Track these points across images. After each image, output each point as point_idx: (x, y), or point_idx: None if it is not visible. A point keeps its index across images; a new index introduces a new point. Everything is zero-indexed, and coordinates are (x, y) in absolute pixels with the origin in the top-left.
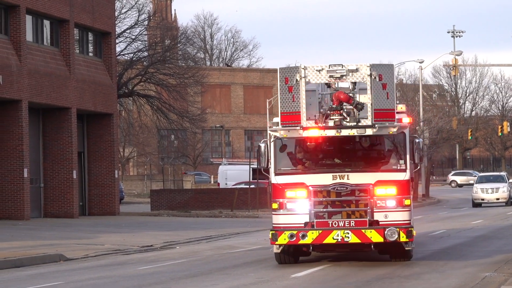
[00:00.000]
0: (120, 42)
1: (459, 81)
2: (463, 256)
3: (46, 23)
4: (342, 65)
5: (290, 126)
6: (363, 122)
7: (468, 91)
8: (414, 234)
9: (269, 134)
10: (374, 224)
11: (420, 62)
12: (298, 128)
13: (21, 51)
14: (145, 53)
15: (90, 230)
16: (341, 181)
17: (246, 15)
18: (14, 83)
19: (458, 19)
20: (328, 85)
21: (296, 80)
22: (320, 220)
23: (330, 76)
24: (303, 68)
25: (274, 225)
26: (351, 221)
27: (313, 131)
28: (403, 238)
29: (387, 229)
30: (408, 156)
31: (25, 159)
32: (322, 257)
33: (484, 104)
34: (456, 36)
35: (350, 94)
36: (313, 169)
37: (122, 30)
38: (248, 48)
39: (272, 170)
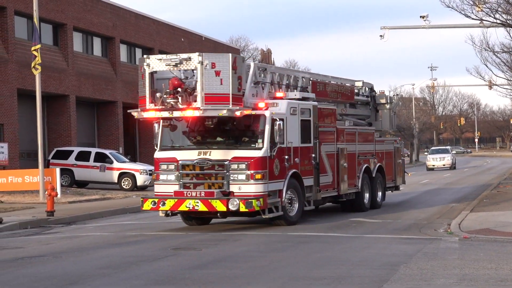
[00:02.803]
0: None
1: (435, 95)
2: (439, 194)
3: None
4: (177, 55)
5: (140, 108)
6: (194, 105)
7: (440, 100)
8: (259, 205)
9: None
10: (230, 195)
11: (412, 85)
12: (139, 110)
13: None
14: None
15: None
16: (204, 157)
17: (312, 60)
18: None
19: (434, 59)
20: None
21: (144, 68)
22: (186, 190)
23: (167, 64)
24: (148, 58)
25: (155, 193)
26: (202, 192)
27: (150, 113)
28: (242, 208)
29: (230, 200)
30: (267, 136)
31: None
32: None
33: (450, 108)
34: (433, 69)
35: (184, 80)
36: (185, 146)
37: None
38: None
39: (158, 146)
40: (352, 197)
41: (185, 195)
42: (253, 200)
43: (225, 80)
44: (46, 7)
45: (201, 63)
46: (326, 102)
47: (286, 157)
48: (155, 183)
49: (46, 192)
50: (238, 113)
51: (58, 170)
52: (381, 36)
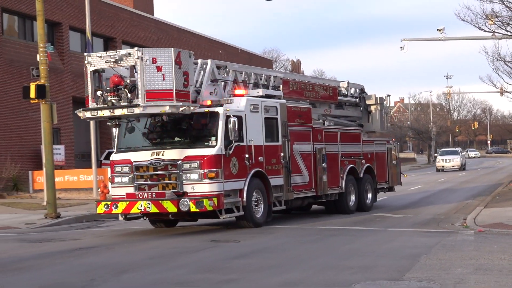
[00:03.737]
0: None
1: (450, 101)
2: (455, 192)
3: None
4: (117, 51)
5: (82, 108)
6: (135, 102)
7: (455, 106)
8: (212, 205)
9: None
10: (185, 195)
11: (430, 92)
12: (81, 110)
13: None
14: None
15: None
16: (157, 157)
17: (338, 70)
18: None
19: (450, 69)
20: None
21: (86, 66)
22: (138, 192)
23: (106, 61)
24: (89, 56)
25: (111, 196)
26: (153, 193)
27: (92, 112)
28: (193, 208)
29: (180, 201)
30: (220, 134)
31: None
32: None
33: (464, 113)
34: (449, 78)
35: (126, 77)
36: (140, 147)
37: None
38: None
39: (115, 148)
40: (334, 198)
41: (136, 197)
42: (204, 200)
43: (167, 75)
44: (98, 23)
45: (141, 58)
46: (302, 101)
47: (247, 155)
48: (111, 186)
49: (99, 190)
50: (182, 110)
51: (109, 169)
52: (401, 47)
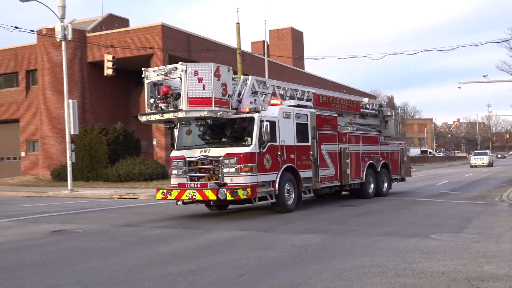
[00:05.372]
0: None
1: (490, 120)
2: (494, 179)
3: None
4: (166, 66)
5: (139, 114)
6: (180, 107)
7: (494, 123)
8: (245, 194)
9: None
10: (225, 186)
11: (476, 115)
12: (138, 115)
13: None
14: None
15: None
16: (204, 154)
17: (420, 102)
18: None
19: (490, 99)
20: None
21: (144, 80)
22: (188, 182)
23: (158, 74)
24: (146, 71)
25: (171, 185)
26: (198, 184)
27: (146, 117)
28: (228, 197)
29: (219, 190)
30: (255, 135)
31: None
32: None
33: (499, 128)
34: (489, 105)
35: (177, 88)
36: (192, 146)
37: None
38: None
39: (175, 147)
40: (357, 186)
41: (186, 187)
42: (239, 190)
43: (207, 85)
44: (270, 76)
45: (185, 71)
46: (330, 111)
47: (279, 153)
48: (170, 177)
49: None
50: (220, 114)
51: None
52: (459, 87)
